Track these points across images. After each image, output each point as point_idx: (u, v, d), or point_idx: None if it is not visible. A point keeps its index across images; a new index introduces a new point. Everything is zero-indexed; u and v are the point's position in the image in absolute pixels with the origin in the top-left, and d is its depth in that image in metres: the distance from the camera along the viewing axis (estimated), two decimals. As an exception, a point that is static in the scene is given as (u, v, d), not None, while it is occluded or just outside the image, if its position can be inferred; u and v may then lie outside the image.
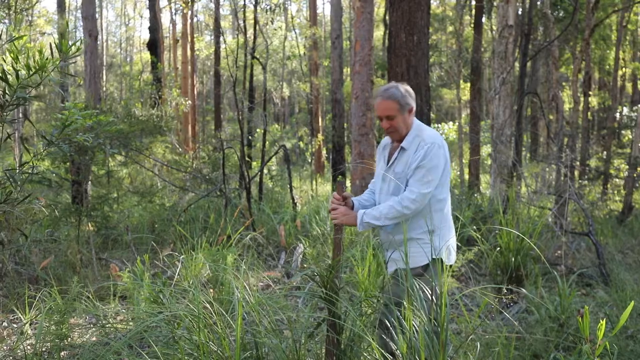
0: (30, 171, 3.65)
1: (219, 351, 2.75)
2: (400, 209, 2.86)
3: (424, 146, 2.92)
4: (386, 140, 3.22)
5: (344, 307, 2.89)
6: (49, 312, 3.63)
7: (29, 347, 3.71)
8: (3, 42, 3.21)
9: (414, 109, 3.05)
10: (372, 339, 2.73)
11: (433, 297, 2.62)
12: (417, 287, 2.59)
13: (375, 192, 3.21)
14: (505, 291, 5.01)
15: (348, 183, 14.17)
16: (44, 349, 3.53)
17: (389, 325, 2.66)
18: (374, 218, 2.91)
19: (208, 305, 2.97)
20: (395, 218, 2.90)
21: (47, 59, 3.17)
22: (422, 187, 2.87)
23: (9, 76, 3.19)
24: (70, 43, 3.29)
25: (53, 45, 3.24)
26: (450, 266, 3.06)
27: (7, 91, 3.21)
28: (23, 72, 3.17)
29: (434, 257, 2.91)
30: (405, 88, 3.05)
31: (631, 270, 6.22)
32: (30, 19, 22.93)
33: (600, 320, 2.38)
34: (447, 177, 3.02)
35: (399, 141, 3.06)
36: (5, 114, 3.28)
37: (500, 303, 4.88)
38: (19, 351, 3.62)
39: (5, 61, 3.30)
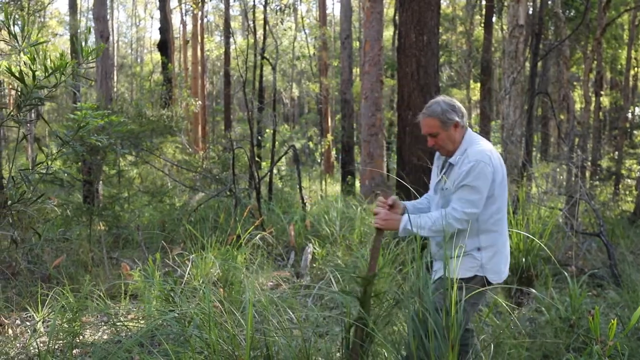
0: (43, 171, 3.69)
1: (229, 350, 2.77)
2: (444, 225, 2.81)
3: (468, 164, 2.83)
4: None
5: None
6: (61, 310, 3.67)
7: (41, 344, 3.75)
8: (21, 46, 3.24)
9: (461, 123, 2.95)
10: (385, 339, 2.74)
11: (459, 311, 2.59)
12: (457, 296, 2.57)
13: (430, 202, 3.17)
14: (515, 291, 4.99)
15: (357, 183, 14.17)
16: (56, 347, 3.57)
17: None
18: (417, 226, 2.86)
19: (219, 304, 3.00)
20: (438, 232, 2.85)
21: (66, 61, 3.20)
22: (465, 206, 2.80)
23: (25, 77, 3.22)
24: (84, 45, 3.32)
25: (69, 48, 3.28)
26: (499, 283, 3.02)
27: (23, 92, 3.25)
28: (39, 73, 3.20)
29: (478, 274, 2.87)
30: (448, 103, 2.95)
31: (643, 271, 6.18)
32: (42, 20, 23.11)
33: (612, 321, 2.38)
34: (501, 195, 2.92)
35: (447, 156, 3.01)
36: (21, 114, 3.32)
37: (512, 304, 4.87)
38: (32, 348, 3.66)
39: (24, 62, 3.34)
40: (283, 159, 15.08)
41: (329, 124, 21.93)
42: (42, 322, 4.11)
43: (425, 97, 6.35)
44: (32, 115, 9.15)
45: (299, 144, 19.61)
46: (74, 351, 3.57)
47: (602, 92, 16.80)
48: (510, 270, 5.27)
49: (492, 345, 2.87)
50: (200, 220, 7.47)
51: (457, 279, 2.74)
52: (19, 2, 9.16)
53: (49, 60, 3.12)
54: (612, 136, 19.90)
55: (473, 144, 2.93)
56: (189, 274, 4.56)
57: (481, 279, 2.89)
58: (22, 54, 3.25)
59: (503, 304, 3.32)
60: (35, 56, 3.08)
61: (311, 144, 22.56)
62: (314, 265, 6.17)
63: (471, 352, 2.94)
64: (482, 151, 2.88)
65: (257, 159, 11.72)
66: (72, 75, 3.32)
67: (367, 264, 2.95)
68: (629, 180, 14.92)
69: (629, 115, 18.14)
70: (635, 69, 21.85)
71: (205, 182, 10.10)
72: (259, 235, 6.18)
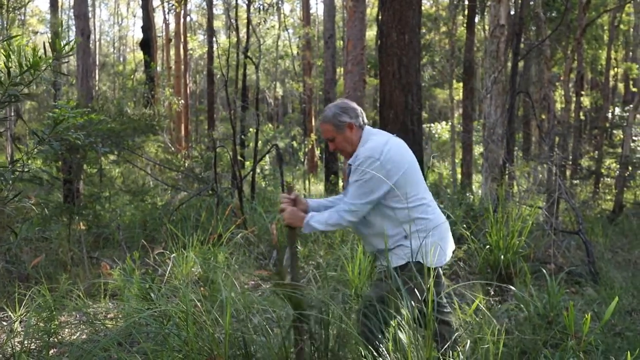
0: (21, 169, 3.65)
1: (207, 348, 2.76)
2: (338, 218, 2.94)
3: (357, 162, 2.93)
4: None
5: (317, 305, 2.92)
6: (37, 309, 3.63)
7: (18, 344, 3.71)
8: (-4, 40, 3.20)
9: (355, 123, 3.01)
10: (357, 336, 2.75)
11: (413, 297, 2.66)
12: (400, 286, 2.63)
13: None
14: (495, 289, 5.03)
15: (340, 183, 14.19)
16: (33, 347, 3.53)
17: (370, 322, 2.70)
18: (318, 222, 2.98)
19: (198, 303, 2.98)
20: (335, 225, 2.98)
21: (40, 57, 3.17)
22: (355, 199, 2.90)
23: (0, 74, 3.18)
24: (63, 42, 3.28)
25: (46, 44, 3.24)
26: (435, 268, 3.05)
27: (-2, 89, 3.21)
28: (15, 70, 3.16)
29: (410, 260, 2.91)
30: (339, 105, 3.01)
31: (620, 268, 6.27)
32: (22, 18, 22.83)
33: (585, 316, 2.41)
34: (410, 182, 2.98)
35: (348, 158, 3.08)
36: (-4, 112, 3.28)
37: (491, 301, 4.91)
38: (8, 348, 3.62)
39: (-2, 58, 3.29)
40: (267, 159, 15.06)
41: (313, 123, 21.93)
42: (20, 322, 4.05)
43: (407, 96, 6.38)
44: (11, 112, 9.05)
45: (282, 143, 19.60)
46: (51, 351, 3.53)
47: (582, 92, 16.99)
48: (490, 268, 5.32)
49: (469, 342, 2.89)
50: (181, 220, 7.43)
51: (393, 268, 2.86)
52: (-3, -1, 9.04)
53: (24, 57, 3.08)
54: (592, 135, 20.14)
55: (366, 142, 3.00)
56: (169, 273, 4.53)
57: (416, 265, 2.92)
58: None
59: (482, 300, 3.34)
60: (10, 53, 3.05)
61: (295, 144, 22.56)
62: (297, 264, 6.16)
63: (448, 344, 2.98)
64: (372, 148, 2.94)
65: (240, 158, 11.68)
66: (50, 70, 3.28)
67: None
68: (608, 180, 15.12)
69: (609, 115, 18.36)
70: (615, 69, 22.14)
71: (188, 182, 10.05)
72: (240, 234, 6.16)
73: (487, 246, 5.37)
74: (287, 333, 2.91)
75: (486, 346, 2.98)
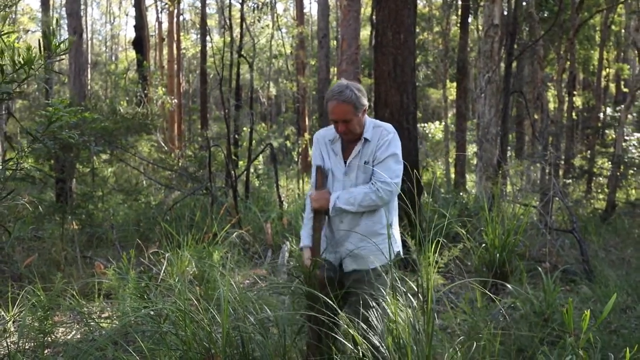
0: (13, 168, 3.61)
1: (204, 347, 2.74)
2: (376, 199, 2.78)
3: (387, 135, 2.86)
4: (329, 133, 3.03)
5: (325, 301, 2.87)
6: (31, 308, 3.59)
7: (12, 344, 3.67)
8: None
9: (367, 107, 2.92)
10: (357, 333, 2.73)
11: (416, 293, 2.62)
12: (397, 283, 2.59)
13: (334, 187, 2.96)
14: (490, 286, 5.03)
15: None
16: (27, 347, 3.49)
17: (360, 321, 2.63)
18: (347, 204, 2.81)
19: (195, 302, 2.96)
20: (369, 207, 2.82)
21: (34, 55, 3.13)
22: (394, 175, 2.81)
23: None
24: (56, 41, 3.25)
25: (40, 42, 3.21)
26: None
27: (-10, 86, 3.17)
28: (8, 68, 3.13)
29: (397, 250, 2.92)
30: (357, 87, 2.87)
31: (614, 266, 6.30)
32: (13, 16, 22.66)
33: (585, 312, 2.40)
34: None
35: (351, 140, 2.93)
36: (-12, 109, 3.24)
37: (487, 299, 4.91)
38: (1, 349, 3.58)
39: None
40: (260, 158, 15.02)
41: (307, 123, 21.90)
42: (13, 322, 4.02)
43: (402, 95, 6.38)
44: (3, 110, 8.98)
45: (276, 143, 19.54)
46: (46, 351, 3.50)
47: (574, 92, 17.08)
48: (486, 266, 5.32)
49: (467, 339, 2.89)
50: (176, 219, 7.40)
51: (381, 265, 2.81)
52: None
53: (17, 54, 3.04)
54: (584, 135, 20.24)
55: (375, 121, 2.97)
56: (164, 272, 4.50)
57: (397, 255, 2.95)
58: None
59: (478, 298, 3.34)
60: (4, 49, 3.01)
61: (288, 143, 22.50)
62: (291, 263, 6.15)
63: None
64: (388, 124, 2.95)
65: (234, 157, 11.64)
66: (43, 69, 3.24)
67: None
68: (601, 179, 15.20)
69: (601, 115, 18.46)
70: (607, 69, 22.24)
71: (182, 181, 10.01)
72: (235, 233, 6.14)
73: (483, 245, 5.36)
74: (298, 331, 2.87)
75: (482, 344, 2.98)
